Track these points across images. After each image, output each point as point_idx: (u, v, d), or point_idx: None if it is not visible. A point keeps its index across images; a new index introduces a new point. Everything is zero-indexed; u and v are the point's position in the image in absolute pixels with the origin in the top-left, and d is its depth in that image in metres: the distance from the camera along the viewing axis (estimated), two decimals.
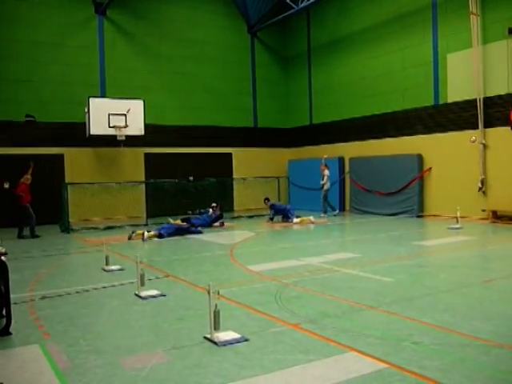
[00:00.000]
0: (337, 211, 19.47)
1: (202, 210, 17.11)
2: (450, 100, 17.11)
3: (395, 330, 5.40)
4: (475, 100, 16.15)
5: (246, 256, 10.85)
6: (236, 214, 20.72)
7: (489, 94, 15.91)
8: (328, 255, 10.42)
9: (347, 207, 20.97)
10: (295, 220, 17.09)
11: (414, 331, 5.36)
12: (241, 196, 22.38)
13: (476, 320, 5.70)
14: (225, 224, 16.94)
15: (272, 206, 17.86)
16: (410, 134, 18.48)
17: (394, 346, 4.90)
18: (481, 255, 10.87)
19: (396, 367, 4.37)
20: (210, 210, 16.89)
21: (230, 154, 22.83)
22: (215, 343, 5.05)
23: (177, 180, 19.53)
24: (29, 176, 15.29)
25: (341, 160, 21.18)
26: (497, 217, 15.40)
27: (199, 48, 22.13)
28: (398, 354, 4.70)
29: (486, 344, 4.92)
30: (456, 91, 16.91)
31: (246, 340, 5.16)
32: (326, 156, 19.67)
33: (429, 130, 17.80)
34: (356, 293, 7.17)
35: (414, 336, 5.19)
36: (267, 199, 18.28)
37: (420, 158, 17.97)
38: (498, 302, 6.61)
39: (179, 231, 14.47)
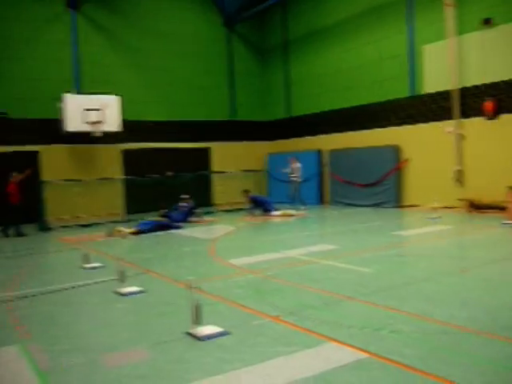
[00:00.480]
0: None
1: (174, 206, 16.90)
2: (426, 91, 17.27)
3: (375, 320, 5.47)
4: (451, 91, 16.34)
5: (226, 250, 10.87)
6: (216, 209, 20.69)
7: (465, 85, 16.09)
8: (308, 247, 10.48)
9: (327, 200, 21.06)
10: (275, 213, 17.13)
11: (394, 320, 5.44)
12: (220, 190, 22.36)
13: (454, 308, 5.81)
14: (204, 218, 16.90)
15: (253, 199, 17.86)
16: (388, 126, 18.62)
17: (374, 336, 4.96)
18: (458, 244, 11.05)
19: (376, 356, 4.43)
20: (183, 203, 16.74)
21: (208, 149, 22.75)
22: (197, 338, 5.06)
23: (155, 176, 19.42)
24: (18, 174, 15.10)
25: (319, 153, 21.27)
26: (473, 206, 15.63)
27: (176, 42, 21.95)
28: (378, 343, 4.76)
29: (463, 331, 5.01)
30: (432, 82, 17.07)
31: (228, 334, 5.18)
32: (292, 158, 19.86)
33: (406, 121, 17.96)
34: (336, 284, 7.23)
35: (394, 325, 5.26)
36: (246, 191, 18.24)
37: (397, 148, 18.14)
38: (474, 289, 6.73)
39: (159, 227, 14.40)
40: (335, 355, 4.52)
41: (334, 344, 4.78)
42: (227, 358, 4.57)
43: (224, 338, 5.09)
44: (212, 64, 23.01)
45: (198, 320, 5.15)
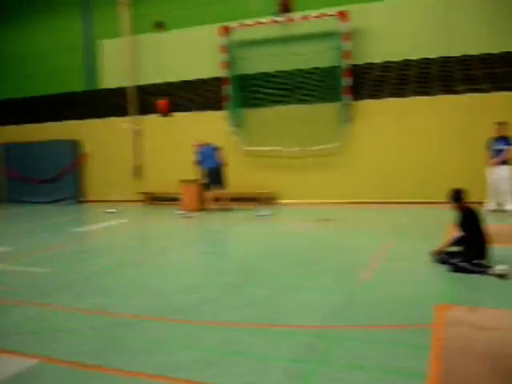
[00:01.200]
0: None
1: None
2: (105, 86, 17.36)
3: (51, 322, 5.25)
4: (128, 87, 16.80)
5: None
6: None
7: (142, 83, 16.74)
8: None
9: (1, 197, 19.22)
10: None
11: (71, 319, 5.31)
12: None
13: (130, 298, 5.99)
14: None
15: None
16: (66, 119, 18.05)
17: (50, 338, 4.75)
18: (136, 236, 11.45)
19: (48, 359, 4.23)
20: None
21: None
22: None
23: None
24: None
25: None
26: (152, 199, 16.45)
27: None
28: (55, 345, 4.57)
29: (136, 319, 5.20)
30: (111, 78, 17.23)
31: None
32: None
33: (84, 115, 17.72)
34: (7, 289, 6.67)
35: (70, 324, 5.13)
36: None
37: (76, 143, 17.78)
38: (149, 278, 7.09)
39: None
40: (3, 367, 4.14)
41: (3, 355, 4.38)
42: None
43: None
44: None
45: None
